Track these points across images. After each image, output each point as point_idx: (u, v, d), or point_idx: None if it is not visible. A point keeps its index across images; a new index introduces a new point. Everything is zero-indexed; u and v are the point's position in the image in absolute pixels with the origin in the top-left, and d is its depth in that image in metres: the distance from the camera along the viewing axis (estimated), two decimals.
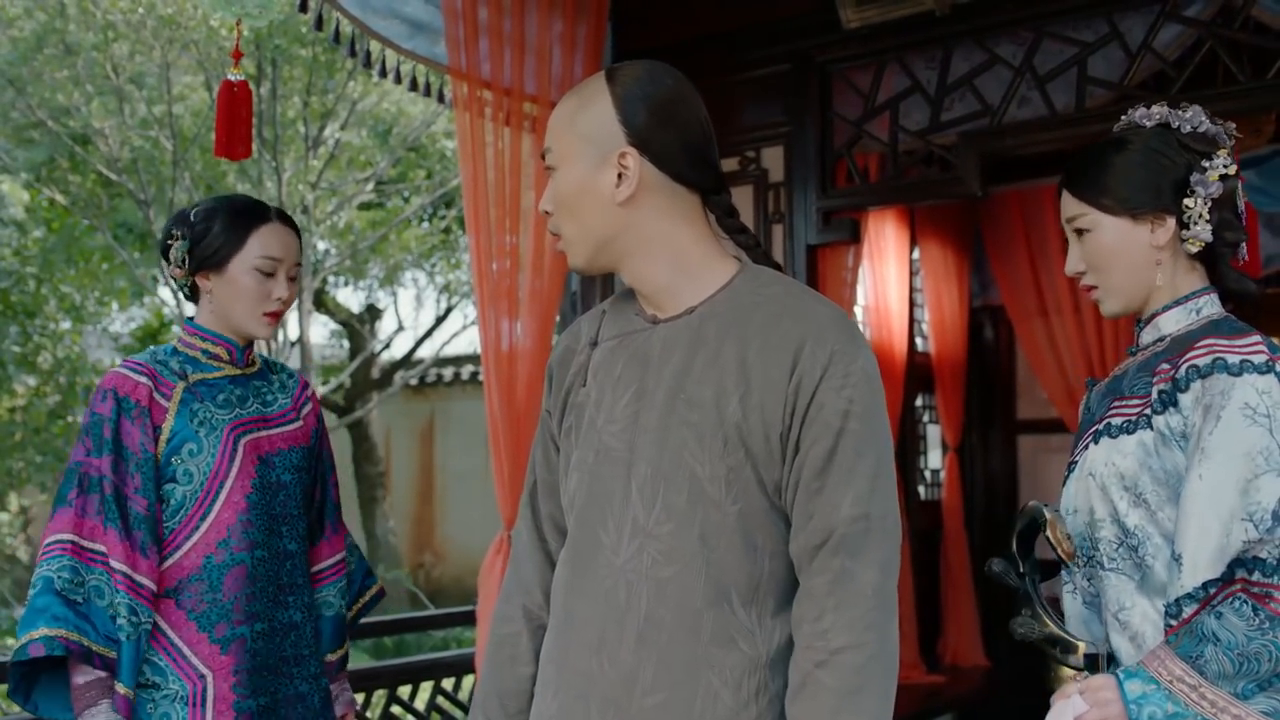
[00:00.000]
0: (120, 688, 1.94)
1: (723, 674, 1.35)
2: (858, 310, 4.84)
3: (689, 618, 1.36)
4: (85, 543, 1.97)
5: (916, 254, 5.24)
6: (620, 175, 1.43)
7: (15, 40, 7.56)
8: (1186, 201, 1.60)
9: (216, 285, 2.09)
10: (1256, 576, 1.46)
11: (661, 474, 1.39)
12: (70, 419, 9.87)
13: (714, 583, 1.36)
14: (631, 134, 1.43)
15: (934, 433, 5.46)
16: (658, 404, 1.41)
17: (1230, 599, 1.46)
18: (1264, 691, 1.44)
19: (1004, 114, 3.00)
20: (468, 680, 3.58)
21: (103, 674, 1.93)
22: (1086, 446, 1.66)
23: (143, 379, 2.05)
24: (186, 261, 2.08)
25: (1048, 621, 1.63)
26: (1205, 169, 1.61)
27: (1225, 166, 1.62)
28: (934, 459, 5.45)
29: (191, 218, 2.11)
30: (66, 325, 9.88)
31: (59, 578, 1.92)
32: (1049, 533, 1.60)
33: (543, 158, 1.51)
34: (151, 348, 2.16)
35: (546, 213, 1.52)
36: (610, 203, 1.44)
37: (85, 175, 8.45)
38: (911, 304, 5.14)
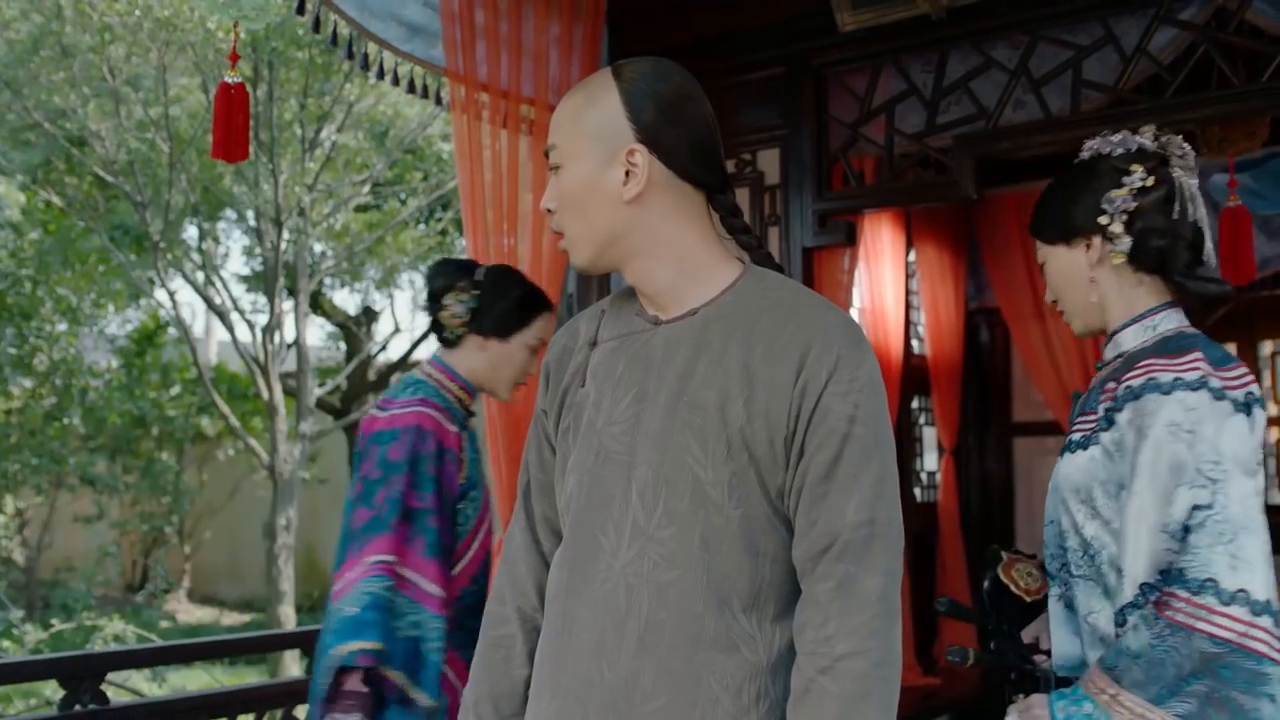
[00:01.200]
0: (425, 699, 2.12)
1: (723, 679, 1.33)
2: (853, 313, 4.84)
3: (690, 622, 1.34)
4: (400, 567, 2.11)
5: (912, 256, 5.24)
6: (628, 173, 1.42)
7: (11, 42, 7.55)
8: (1100, 219, 1.72)
9: (492, 349, 2.31)
10: (1164, 586, 1.56)
11: (663, 477, 1.37)
12: (66, 421, 9.85)
13: (715, 588, 1.35)
14: (640, 131, 1.42)
15: (930, 435, 5.47)
16: (659, 406, 1.40)
17: (1144, 609, 1.56)
18: (1175, 696, 1.51)
19: (999, 117, 3.00)
20: None
21: (367, 691, 2.07)
22: (1059, 459, 1.78)
23: (453, 428, 2.23)
24: (469, 317, 2.29)
25: (1007, 653, 1.76)
26: (1122, 185, 1.72)
27: (1143, 180, 1.71)
28: (930, 461, 5.45)
29: (482, 279, 2.31)
30: (63, 327, 9.87)
31: (383, 595, 2.08)
32: (1002, 575, 1.65)
33: (545, 155, 1.49)
34: (428, 386, 2.28)
35: (549, 211, 1.49)
36: (617, 200, 1.43)
37: (82, 177, 8.44)
38: (908, 306, 5.14)
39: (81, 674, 2.70)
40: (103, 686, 2.73)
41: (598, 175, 1.43)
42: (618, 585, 1.38)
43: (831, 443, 1.33)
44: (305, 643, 3.21)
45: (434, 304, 2.31)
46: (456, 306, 2.28)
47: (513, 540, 1.59)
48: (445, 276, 2.31)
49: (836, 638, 1.30)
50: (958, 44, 3.08)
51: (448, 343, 2.32)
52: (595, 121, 1.43)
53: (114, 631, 5.65)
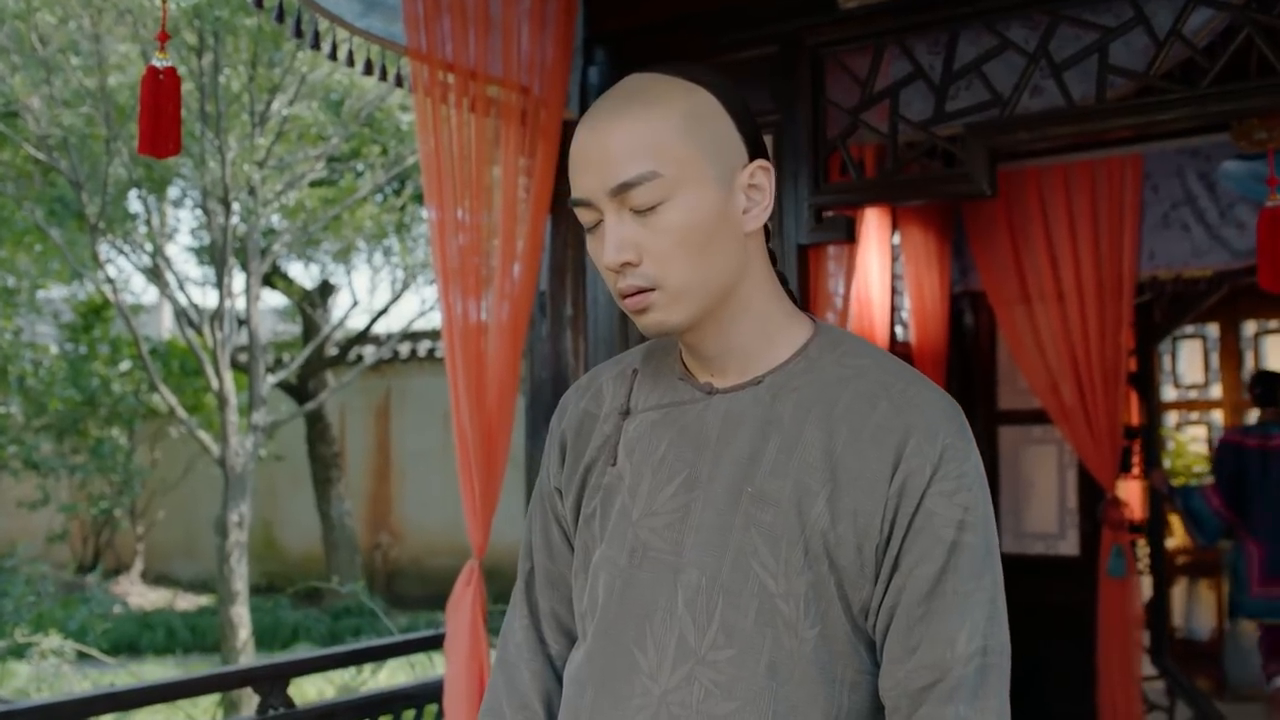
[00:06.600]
0: None
1: None
2: (838, 301, 4.61)
3: None
4: None
5: (897, 239, 5.01)
6: (749, 198, 1.15)
7: None
8: None
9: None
10: None
11: (720, 586, 1.11)
12: (4, 410, 9.42)
13: None
14: (750, 146, 1.16)
15: None
16: (716, 497, 1.13)
17: None
18: None
19: (1015, 104, 2.74)
20: (429, 710, 3.33)
21: None
22: None
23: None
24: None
25: None
26: None
27: None
28: None
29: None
30: None
31: None
32: None
33: (625, 189, 1.10)
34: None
35: (627, 264, 1.12)
36: (740, 235, 1.15)
37: (15, 151, 7.96)
38: (893, 291, 4.92)
39: None
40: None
41: (725, 203, 1.13)
42: (658, 715, 1.11)
43: (937, 554, 1.08)
44: (255, 680, 2.93)
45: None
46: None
47: (512, 639, 1.31)
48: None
49: None
50: (969, 23, 2.81)
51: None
52: (708, 137, 1.12)
53: (50, 647, 5.32)
